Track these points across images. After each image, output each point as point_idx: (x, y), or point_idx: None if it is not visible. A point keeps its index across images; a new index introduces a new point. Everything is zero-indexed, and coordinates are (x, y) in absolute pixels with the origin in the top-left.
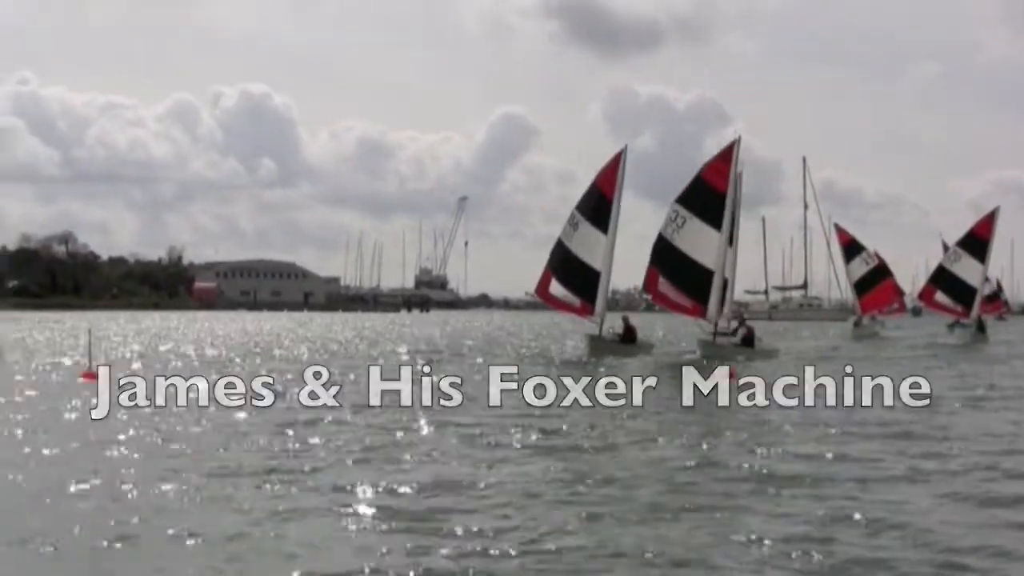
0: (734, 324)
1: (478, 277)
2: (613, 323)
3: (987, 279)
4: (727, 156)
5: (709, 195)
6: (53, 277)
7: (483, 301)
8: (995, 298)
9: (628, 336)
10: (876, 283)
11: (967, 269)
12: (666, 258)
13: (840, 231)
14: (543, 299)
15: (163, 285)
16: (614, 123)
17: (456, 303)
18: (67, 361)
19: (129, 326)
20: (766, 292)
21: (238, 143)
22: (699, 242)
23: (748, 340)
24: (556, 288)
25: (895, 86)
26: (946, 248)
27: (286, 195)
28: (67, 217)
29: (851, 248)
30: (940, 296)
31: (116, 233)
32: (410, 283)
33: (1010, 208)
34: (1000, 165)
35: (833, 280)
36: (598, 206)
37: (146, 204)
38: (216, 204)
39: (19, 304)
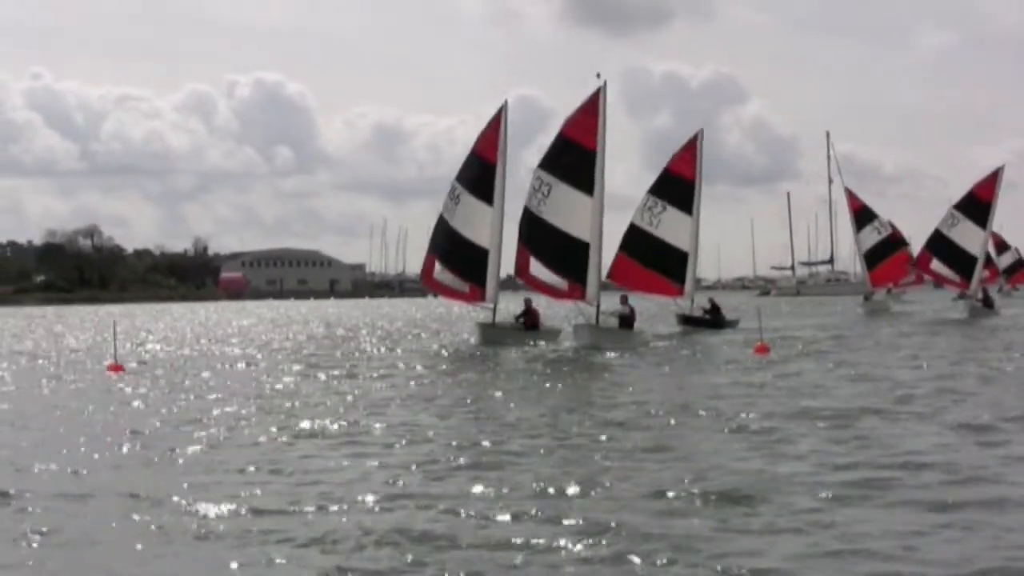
0: (705, 305)
1: (503, 259)
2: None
3: (1009, 247)
4: (592, 108)
5: (576, 155)
6: (80, 271)
7: (509, 284)
8: (1019, 267)
9: (529, 321)
10: (887, 255)
11: (966, 235)
12: (533, 234)
13: (852, 197)
14: (429, 286)
15: (190, 276)
16: (630, 102)
17: None
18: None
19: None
20: (792, 268)
21: (254, 132)
22: (569, 210)
23: (627, 321)
24: (442, 273)
25: (909, 55)
26: None
27: (304, 182)
28: (87, 211)
29: (862, 215)
30: (937, 264)
31: (135, 225)
32: None
33: None
34: (1021, 133)
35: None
36: (481, 175)
37: (164, 196)
38: (234, 194)
39: (47, 299)
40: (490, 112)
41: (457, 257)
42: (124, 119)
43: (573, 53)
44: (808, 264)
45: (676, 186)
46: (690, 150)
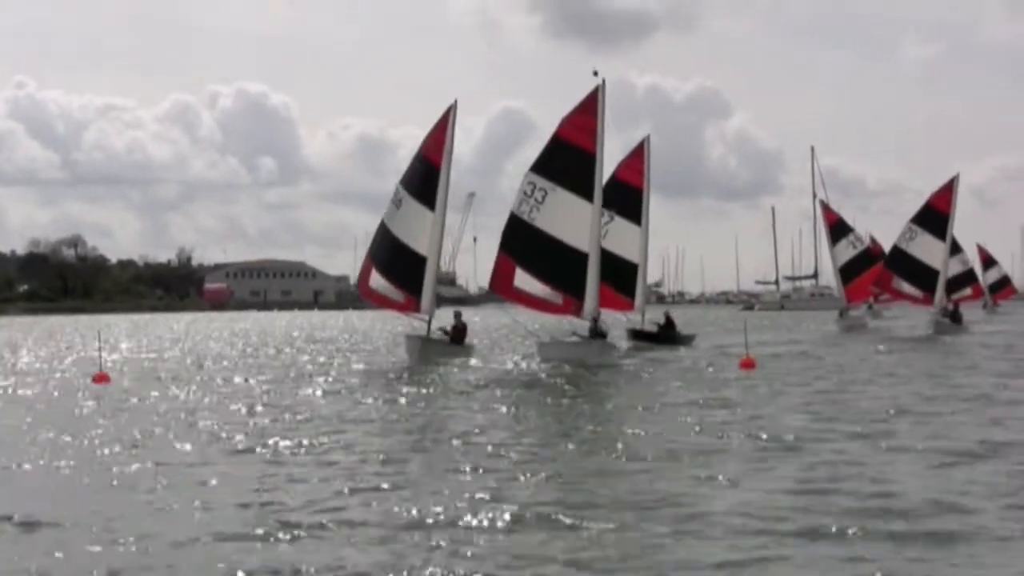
0: (659, 319)
1: (486, 272)
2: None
3: (995, 263)
4: (590, 108)
5: (574, 158)
6: (64, 281)
7: (492, 297)
8: (1005, 283)
9: (456, 336)
10: (863, 270)
11: (926, 248)
12: (524, 243)
13: (827, 210)
14: (364, 295)
15: (173, 287)
16: (613, 115)
17: (466, 299)
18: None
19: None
20: (777, 282)
21: (237, 143)
22: (567, 218)
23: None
24: (377, 280)
25: (892, 68)
26: None
27: (287, 194)
28: (69, 220)
29: (837, 229)
30: (898, 282)
31: (118, 235)
32: None
33: (1017, 194)
34: (1005, 150)
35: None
36: (425, 177)
37: (147, 206)
38: (218, 204)
39: (30, 308)
40: (473, 124)
41: (394, 264)
42: (107, 129)
43: (556, 65)
44: (792, 279)
45: (624, 195)
46: (638, 156)
